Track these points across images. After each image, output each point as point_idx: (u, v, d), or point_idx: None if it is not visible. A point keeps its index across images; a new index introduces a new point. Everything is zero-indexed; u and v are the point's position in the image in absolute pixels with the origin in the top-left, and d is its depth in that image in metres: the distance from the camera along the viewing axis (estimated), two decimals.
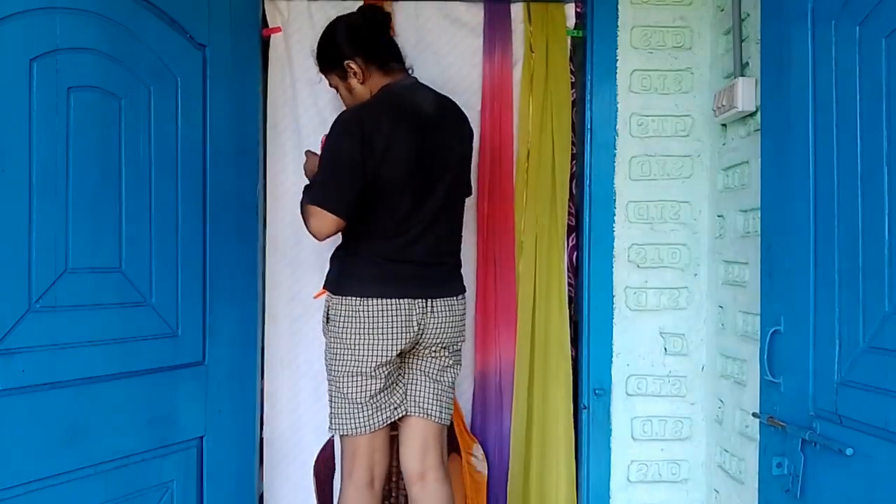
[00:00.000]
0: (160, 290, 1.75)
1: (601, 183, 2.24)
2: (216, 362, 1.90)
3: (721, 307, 2.10)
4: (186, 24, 1.83)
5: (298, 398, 2.30)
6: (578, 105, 2.34)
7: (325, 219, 1.81)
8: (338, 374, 1.91)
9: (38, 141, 1.48)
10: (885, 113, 1.27)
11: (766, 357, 1.57)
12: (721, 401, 2.09)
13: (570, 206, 2.33)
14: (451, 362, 2.02)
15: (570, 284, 2.33)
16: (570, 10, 2.33)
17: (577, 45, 2.35)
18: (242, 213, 2.01)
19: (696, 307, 2.23)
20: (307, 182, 1.98)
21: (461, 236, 2.07)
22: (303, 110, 2.31)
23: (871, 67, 1.31)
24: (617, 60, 2.24)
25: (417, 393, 1.99)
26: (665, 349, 2.24)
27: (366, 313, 1.86)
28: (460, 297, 2.02)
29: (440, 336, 1.95)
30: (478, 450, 2.30)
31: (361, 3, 2.28)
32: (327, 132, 1.92)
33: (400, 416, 1.97)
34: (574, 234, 2.35)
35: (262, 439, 2.26)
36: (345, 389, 1.91)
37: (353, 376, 1.89)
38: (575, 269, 2.35)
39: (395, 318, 1.87)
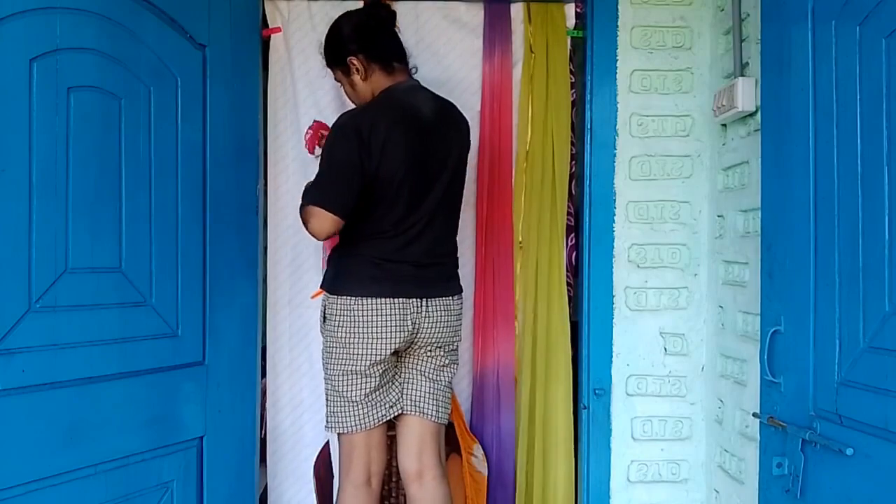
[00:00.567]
0: (160, 290, 1.75)
1: (601, 183, 2.24)
2: (216, 362, 1.90)
3: (721, 307, 2.10)
4: (186, 24, 1.83)
5: (300, 397, 2.31)
6: (578, 105, 2.35)
7: (324, 218, 1.81)
8: (334, 372, 1.94)
9: (38, 141, 1.48)
10: (886, 113, 1.27)
11: (766, 357, 1.57)
12: (721, 401, 2.09)
13: (569, 207, 2.33)
14: (447, 362, 2.02)
15: (569, 285, 2.33)
16: (570, 10, 2.33)
17: (577, 45, 2.35)
18: (242, 213, 2.01)
19: (696, 307, 2.23)
20: (307, 183, 1.98)
21: (456, 234, 2.08)
22: (303, 110, 2.31)
23: (872, 67, 1.31)
24: (617, 60, 2.24)
25: (413, 392, 1.99)
26: (665, 349, 2.24)
27: (361, 312, 1.88)
28: (456, 297, 2.02)
29: (435, 335, 1.96)
30: (478, 450, 2.30)
31: (361, 3, 2.29)
32: (311, 126, 2.03)
33: (395, 414, 1.98)
34: (573, 235, 2.35)
35: (262, 439, 2.26)
36: (340, 387, 1.93)
37: (348, 374, 1.91)
38: (574, 270, 2.35)
39: (389, 318, 1.88)
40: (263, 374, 2.27)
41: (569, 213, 2.34)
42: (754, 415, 1.62)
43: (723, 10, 2.12)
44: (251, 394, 2.05)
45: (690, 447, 2.24)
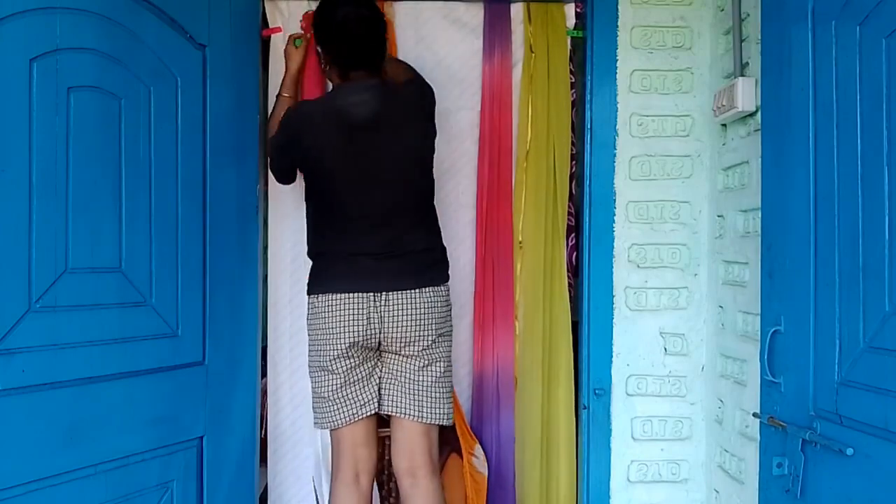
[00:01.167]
0: (160, 290, 1.75)
1: (601, 183, 2.24)
2: (216, 362, 1.90)
3: (721, 307, 2.10)
4: (186, 24, 1.83)
5: (300, 397, 2.30)
6: (578, 105, 2.34)
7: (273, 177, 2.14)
8: (310, 369, 2.05)
9: (38, 141, 1.48)
10: (886, 113, 1.27)
11: (766, 357, 1.57)
12: (721, 401, 2.09)
13: (569, 207, 2.33)
14: (425, 362, 1.99)
15: (568, 284, 2.33)
16: (570, 10, 2.33)
17: (577, 45, 2.35)
18: (242, 213, 2.01)
19: (696, 307, 2.23)
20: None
21: (434, 226, 2.07)
22: None
23: (872, 67, 1.31)
24: (617, 60, 2.24)
25: (391, 393, 2.01)
26: (665, 349, 2.24)
27: (320, 309, 1.98)
28: (427, 289, 1.98)
29: (400, 331, 1.95)
30: (479, 450, 2.30)
31: None
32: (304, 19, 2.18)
33: (369, 413, 2.01)
34: (574, 235, 2.35)
35: (262, 439, 2.26)
36: (314, 384, 2.04)
37: (316, 371, 2.02)
38: (574, 270, 2.35)
39: (343, 313, 1.94)
40: (263, 374, 2.27)
41: (569, 213, 2.33)
42: (754, 415, 1.62)
43: (723, 10, 2.12)
44: (251, 394, 2.05)
45: (690, 447, 2.24)
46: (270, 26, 2.28)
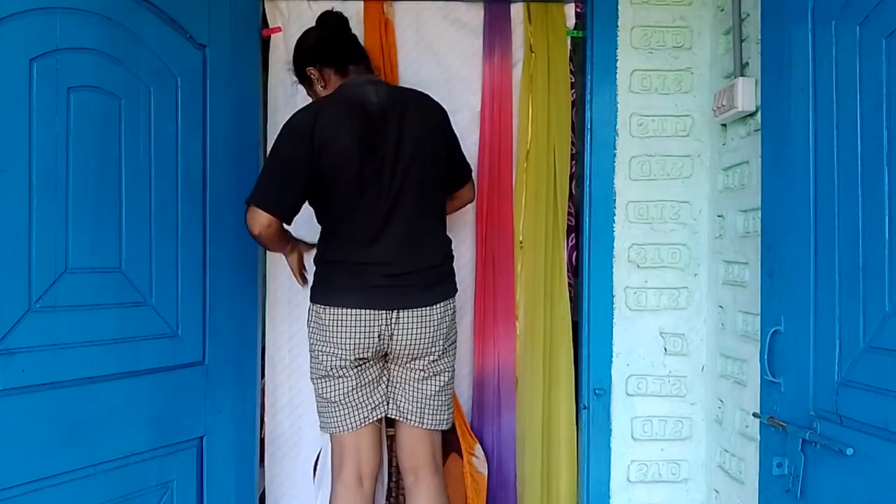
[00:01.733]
0: (160, 290, 1.75)
1: (601, 183, 2.24)
2: (216, 362, 1.90)
3: (721, 307, 2.10)
4: (186, 24, 1.84)
5: (299, 398, 2.30)
6: (578, 105, 2.34)
7: (255, 216, 1.84)
8: (312, 374, 1.99)
9: (38, 141, 1.48)
10: (886, 113, 1.27)
11: (766, 357, 1.57)
12: (721, 401, 2.09)
13: (569, 207, 2.33)
14: (429, 373, 1.98)
15: (568, 285, 2.33)
16: (570, 10, 2.33)
17: (577, 45, 2.35)
18: (242, 213, 2.01)
19: (696, 307, 2.23)
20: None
21: (444, 227, 2.03)
22: None
23: (872, 67, 1.31)
24: (617, 60, 2.24)
25: (398, 400, 2.00)
26: (665, 349, 2.24)
27: (327, 321, 1.89)
28: (439, 304, 1.94)
29: (410, 347, 1.93)
30: (479, 450, 2.30)
31: (361, 3, 2.29)
32: None
33: (379, 416, 1.99)
34: (573, 235, 2.35)
35: (262, 439, 2.26)
36: (319, 389, 1.97)
37: (321, 378, 1.96)
38: (574, 270, 2.35)
39: (352, 328, 1.88)
40: (263, 374, 2.27)
41: (569, 213, 2.33)
42: (754, 415, 1.62)
43: (723, 10, 2.12)
44: (251, 394, 2.05)
45: (690, 447, 2.24)
46: (270, 26, 2.28)
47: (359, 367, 1.94)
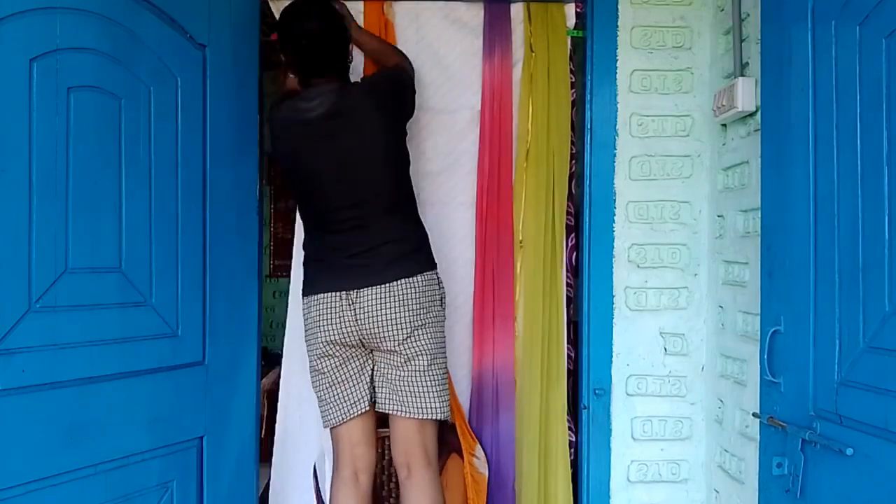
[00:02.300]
0: (160, 290, 1.75)
1: (601, 183, 2.24)
2: (216, 362, 1.90)
3: (721, 307, 2.10)
4: (186, 24, 1.83)
5: (303, 395, 2.30)
6: (578, 105, 2.34)
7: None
8: (309, 369, 2.09)
9: (38, 141, 1.48)
10: (885, 113, 1.27)
11: (766, 357, 1.57)
12: (721, 401, 2.09)
13: (569, 206, 2.33)
14: (405, 357, 1.97)
15: (568, 285, 2.33)
16: (570, 10, 2.33)
17: (577, 45, 2.35)
18: (242, 213, 2.01)
19: (696, 307, 2.23)
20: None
21: (410, 214, 2.05)
22: None
23: (871, 67, 1.31)
24: (617, 60, 2.24)
25: (382, 390, 2.03)
26: (665, 349, 2.24)
27: (306, 310, 2.05)
28: (398, 282, 1.94)
29: (375, 326, 1.94)
30: (480, 451, 2.30)
31: (361, 3, 2.28)
32: None
33: (360, 412, 2.02)
34: (573, 234, 2.34)
35: (261, 439, 2.25)
36: (312, 384, 2.07)
37: (313, 372, 2.06)
38: (574, 270, 2.35)
39: (321, 313, 1.98)
40: (263, 374, 2.27)
41: (569, 213, 2.33)
42: (754, 415, 1.62)
43: (723, 10, 2.12)
44: (251, 394, 2.05)
45: (690, 447, 2.24)
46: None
47: (332, 359, 1.99)
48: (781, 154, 1.56)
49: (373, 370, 2.04)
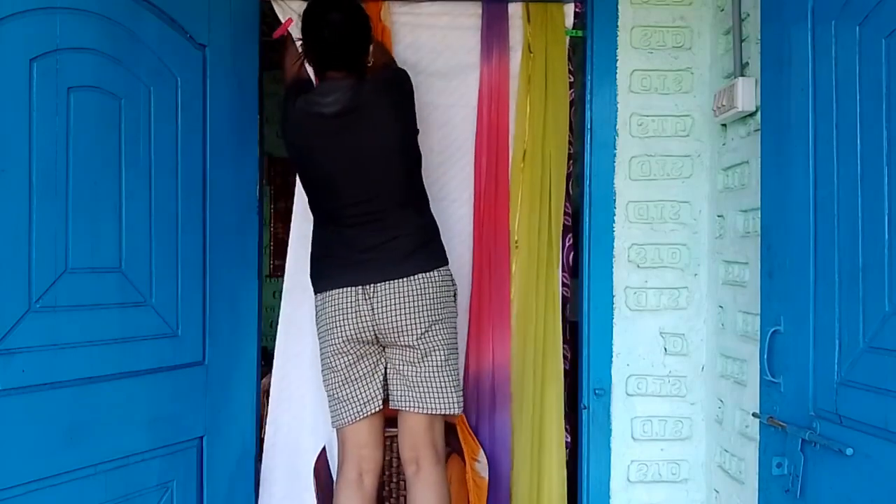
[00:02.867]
0: (160, 290, 1.75)
1: (601, 183, 2.24)
2: (216, 362, 1.90)
3: (721, 307, 2.10)
4: (186, 24, 1.84)
5: (299, 392, 2.29)
6: (578, 105, 2.34)
7: None
8: (321, 368, 2.05)
9: (38, 141, 1.48)
10: (885, 113, 1.27)
11: (766, 357, 1.57)
12: (721, 401, 2.09)
13: (566, 207, 2.33)
14: (421, 353, 1.96)
15: (565, 285, 2.33)
16: (570, 9, 2.32)
17: (576, 44, 2.35)
18: (242, 213, 2.01)
19: (696, 307, 2.23)
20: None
21: (423, 206, 2.05)
22: None
23: (871, 67, 1.31)
24: (617, 60, 2.24)
25: (394, 386, 2.02)
26: (665, 349, 2.24)
27: (320, 307, 2.01)
28: (415, 276, 1.94)
29: (392, 321, 1.93)
30: (482, 455, 2.28)
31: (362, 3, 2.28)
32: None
33: (372, 411, 2.00)
34: (570, 235, 2.34)
35: (261, 439, 2.25)
36: (324, 382, 2.04)
37: (325, 370, 2.02)
38: (572, 270, 2.35)
39: (337, 308, 1.95)
40: (265, 373, 2.27)
41: (566, 213, 2.33)
42: (754, 415, 1.62)
43: (723, 10, 2.12)
44: (251, 394, 2.05)
45: (690, 447, 2.24)
46: (282, 20, 2.23)
47: (347, 356, 1.97)
48: (781, 154, 1.56)
49: (385, 367, 2.03)
